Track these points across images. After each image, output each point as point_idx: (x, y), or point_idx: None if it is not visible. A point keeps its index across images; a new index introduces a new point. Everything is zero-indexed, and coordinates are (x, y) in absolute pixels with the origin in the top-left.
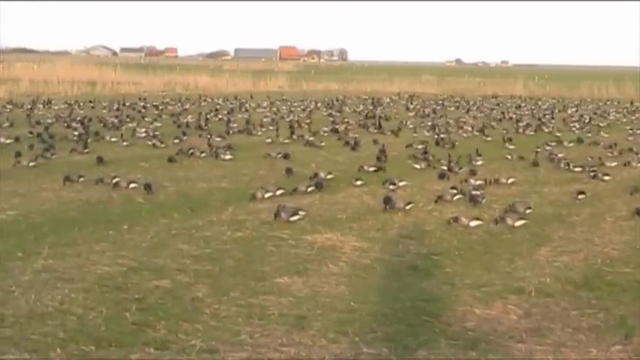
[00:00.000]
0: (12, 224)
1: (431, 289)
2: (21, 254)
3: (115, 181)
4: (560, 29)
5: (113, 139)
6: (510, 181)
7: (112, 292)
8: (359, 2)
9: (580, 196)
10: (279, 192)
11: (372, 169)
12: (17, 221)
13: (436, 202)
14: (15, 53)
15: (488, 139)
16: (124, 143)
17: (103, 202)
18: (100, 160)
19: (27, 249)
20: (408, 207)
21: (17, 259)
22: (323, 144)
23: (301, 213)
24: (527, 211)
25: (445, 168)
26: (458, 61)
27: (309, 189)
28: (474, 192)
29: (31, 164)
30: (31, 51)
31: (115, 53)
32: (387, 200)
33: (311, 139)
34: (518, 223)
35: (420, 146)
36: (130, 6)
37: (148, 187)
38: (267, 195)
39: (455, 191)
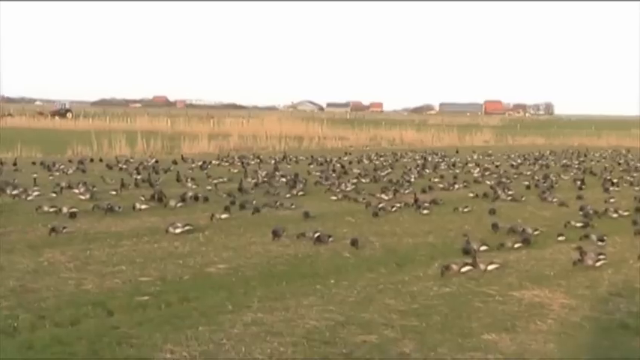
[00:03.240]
0: (223, 277)
1: None
2: (231, 307)
3: (316, 235)
4: None
5: (318, 194)
6: None
7: (320, 346)
8: (565, 55)
9: None
10: (483, 248)
11: (579, 224)
12: (228, 274)
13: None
14: (225, 109)
15: None
16: (333, 198)
17: (310, 256)
18: (306, 215)
19: (237, 302)
20: (598, 264)
21: (228, 312)
22: (523, 199)
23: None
24: None
25: None
26: None
27: (516, 245)
28: None
29: (224, 216)
30: (240, 107)
31: (321, 108)
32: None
33: (514, 193)
34: None
35: (612, 200)
36: (335, 62)
37: (354, 242)
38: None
39: None
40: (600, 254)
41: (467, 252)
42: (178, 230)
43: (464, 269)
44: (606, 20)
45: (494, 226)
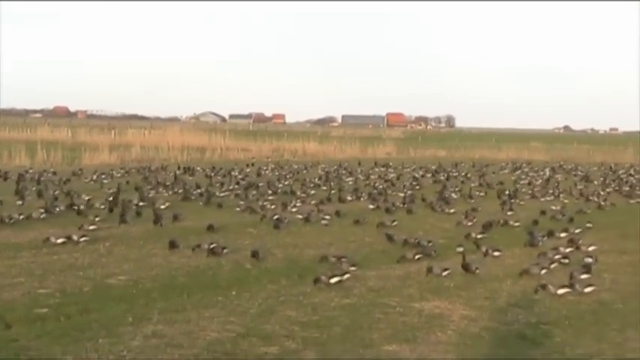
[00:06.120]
0: (123, 289)
1: (540, 358)
2: (132, 319)
3: (210, 247)
4: None
5: (220, 205)
6: (591, 248)
7: (221, 358)
8: (466, 70)
9: None
10: (352, 268)
11: (479, 236)
12: (128, 286)
13: (520, 275)
14: (127, 120)
15: (601, 206)
16: (237, 209)
17: (211, 267)
18: (209, 226)
19: (137, 314)
20: (444, 273)
21: (128, 324)
22: (419, 211)
23: (346, 276)
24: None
25: (542, 236)
26: (566, 127)
27: (417, 256)
28: (586, 259)
29: (92, 227)
30: (142, 117)
31: (223, 120)
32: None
33: (415, 205)
34: (587, 290)
35: (510, 213)
36: (237, 73)
37: (255, 253)
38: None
39: (557, 257)
40: (445, 268)
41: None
42: (60, 240)
43: (332, 280)
44: (505, 34)
45: (389, 237)
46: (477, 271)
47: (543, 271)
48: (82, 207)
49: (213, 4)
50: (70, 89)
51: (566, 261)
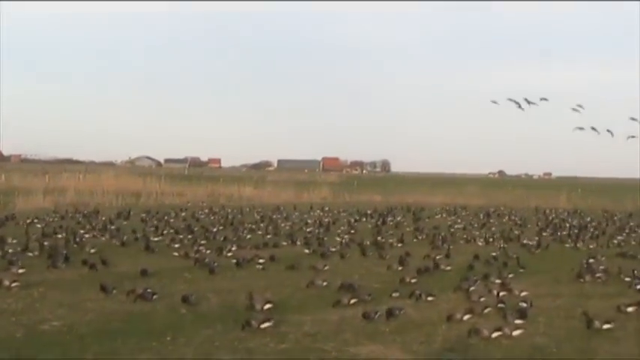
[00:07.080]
0: (56, 335)
1: None
2: None
3: (139, 292)
4: (602, 143)
5: (155, 250)
6: (523, 294)
7: None
8: (401, 115)
9: (629, 309)
10: (267, 306)
11: (414, 280)
12: (62, 331)
13: (448, 319)
14: (61, 164)
15: (535, 251)
16: (175, 254)
17: (146, 313)
18: (144, 271)
19: None
20: (376, 316)
21: None
22: (354, 255)
23: (271, 322)
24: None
25: (475, 280)
26: (501, 172)
27: (352, 301)
28: (521, 304)
29: (21, 271)
30: (77, 162)
31: (159, 164)
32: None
33: (351, 250)
34: (515, 333)
35: (439, 257)
36: (172, 118)
37: (185, 298)
38: (266, 306)
39: (483, 300)
40: (377, 311)
41: (251, 308)
42: None
43: (263, 325)
44: (440, 78)
45: (311, 283)
46: (402, 312)
47: (467, 316)
48: (14, 257)
49: (146, 46)
50: (3, 133)
51: (502, 305)
